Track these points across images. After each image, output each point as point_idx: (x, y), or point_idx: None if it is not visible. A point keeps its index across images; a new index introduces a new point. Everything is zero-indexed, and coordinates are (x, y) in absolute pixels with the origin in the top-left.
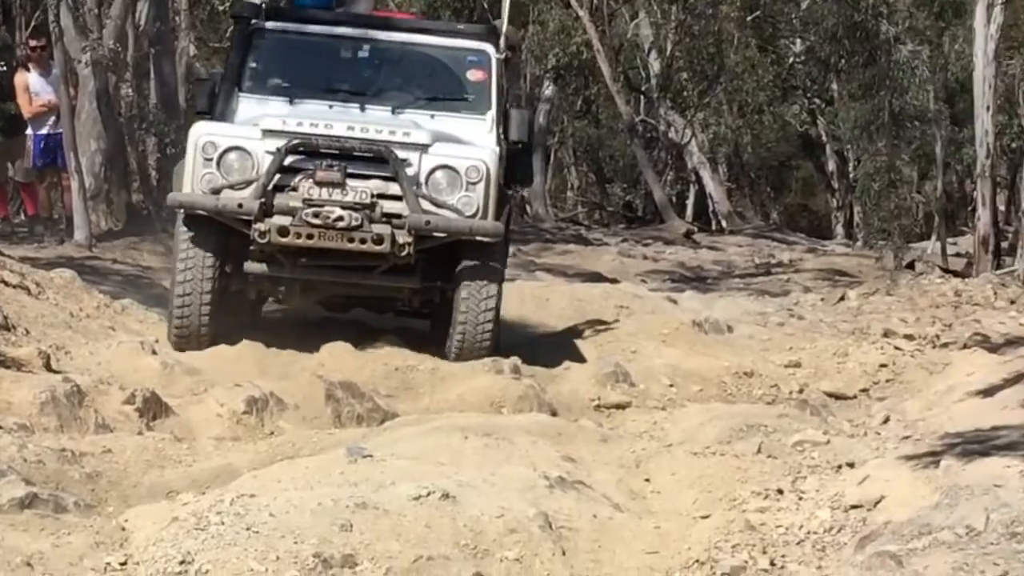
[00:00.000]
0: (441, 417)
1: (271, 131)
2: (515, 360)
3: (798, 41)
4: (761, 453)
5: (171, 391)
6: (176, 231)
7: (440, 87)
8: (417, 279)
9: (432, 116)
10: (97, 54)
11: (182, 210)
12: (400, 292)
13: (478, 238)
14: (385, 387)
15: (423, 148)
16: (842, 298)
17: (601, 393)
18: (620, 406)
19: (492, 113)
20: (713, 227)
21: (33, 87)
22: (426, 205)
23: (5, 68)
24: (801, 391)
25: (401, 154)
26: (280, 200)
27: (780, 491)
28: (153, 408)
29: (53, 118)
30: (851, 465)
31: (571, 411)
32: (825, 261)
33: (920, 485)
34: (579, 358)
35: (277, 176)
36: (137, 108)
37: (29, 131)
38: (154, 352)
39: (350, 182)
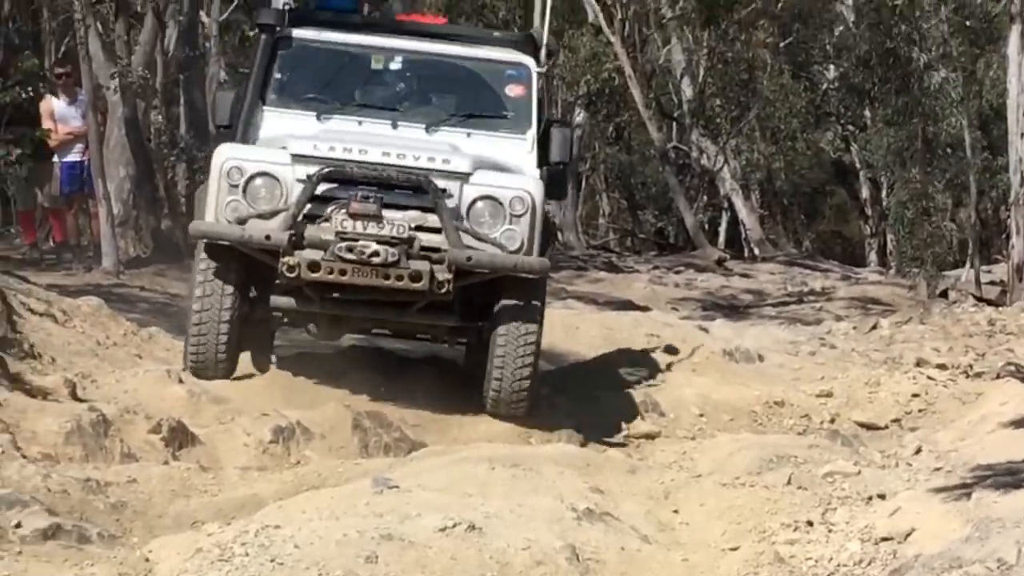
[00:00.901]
0: (468, 447)
1: (301, 156)
2: (545, 391)
3: (831, 67)
4: (791, 484)
5: (197, 420)
6: (196, 258)
7: (477, 103)
8: (456, 316)
9: (468, 135)
10: (126, 80)
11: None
12: (436, 329)
13: (522, 275)
14: (413, 417)
15: (464, 177)
16: (875, 327)
17: (630, 423)
18: (649, 436)
19: (532, 132)
20: (745, 254)
21: (58, 114)
22: (467, 239)
23: (32, 94)
24: (832, 421)
25: (441, 183)
26: (311, 232)
27: (810, 523)
28: (179, 437)
29: (80, 145)
30: (882, 496)
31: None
32: (858, 289)
33: (951, 517)
34: (609, 387)
35: (308, 206)
36: (166, 134)
37: (56, 158)
38: (181, 380)
39: (386, 213)
